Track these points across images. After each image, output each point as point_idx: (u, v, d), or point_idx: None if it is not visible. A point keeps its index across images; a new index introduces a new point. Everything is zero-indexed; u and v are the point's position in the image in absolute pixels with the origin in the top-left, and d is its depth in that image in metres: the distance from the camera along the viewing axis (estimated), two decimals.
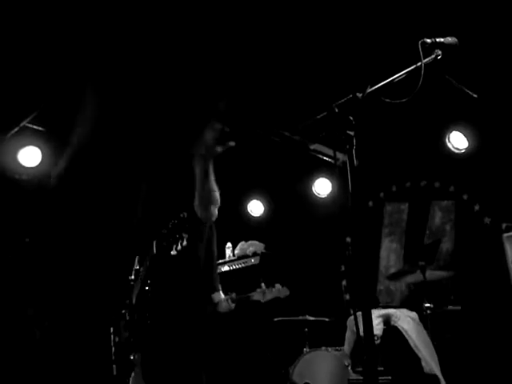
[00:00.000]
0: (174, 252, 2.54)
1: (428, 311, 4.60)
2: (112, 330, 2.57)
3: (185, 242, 2.52)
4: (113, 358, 2.47)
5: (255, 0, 3.81)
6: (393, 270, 5.90)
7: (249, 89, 4.79)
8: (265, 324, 5.62)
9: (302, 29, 4.00)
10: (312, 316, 5.31)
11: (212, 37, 4.11)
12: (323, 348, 4.89)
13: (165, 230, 2.60)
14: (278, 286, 3.79)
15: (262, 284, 3.82)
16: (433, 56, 2.02)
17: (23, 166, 5.40)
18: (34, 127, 5.41)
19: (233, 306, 3.28)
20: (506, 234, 4.53)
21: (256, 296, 3.69)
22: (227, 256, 5.88)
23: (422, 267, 4.72)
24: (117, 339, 2.59)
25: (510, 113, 5.10)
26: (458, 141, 5.56)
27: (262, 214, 7.20)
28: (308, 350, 5.11)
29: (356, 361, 4.48)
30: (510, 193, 5.24)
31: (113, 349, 2.53)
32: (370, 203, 6.52)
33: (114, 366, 2.44)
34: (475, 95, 4.65)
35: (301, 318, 5.28)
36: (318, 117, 1.79)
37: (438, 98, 4.69)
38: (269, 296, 3.77)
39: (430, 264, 4.84)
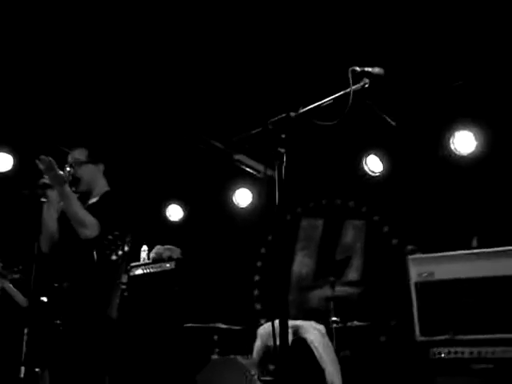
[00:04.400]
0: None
1: (335, 325, 4.79)
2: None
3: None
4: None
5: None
6: (304, 284, 6.08)
7: (182, 95, 4.79)
8: (174, 330, 5.58)
9: (244, 44, 4.07)
10: (224, 324, 5.33)
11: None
12: (231, 356, 4.93)
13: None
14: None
15: None
16: (361, 84, 2.13)
17: None
18: None
19: None
20: (410, 257, 4.79)
21: None
22: (142, 259, 5.80)
23: (332, 282, 4.93)
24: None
25: (422, 143, 5.44)
26: (374, 164, 5.82)
27: (181, 219, 7.17)
28: (216, 357, 5.14)
29: (263, 370, 4.55)
30: (417, 217, 5.57)
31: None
32: (288, 217, 6.68)
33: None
34: (394, 123, 4.93)
35: (211, 325, 5.29)
36: (253, 132, 1.84)
37: (358, 122, 4.92)
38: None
39: (339, 279, 5.06)
